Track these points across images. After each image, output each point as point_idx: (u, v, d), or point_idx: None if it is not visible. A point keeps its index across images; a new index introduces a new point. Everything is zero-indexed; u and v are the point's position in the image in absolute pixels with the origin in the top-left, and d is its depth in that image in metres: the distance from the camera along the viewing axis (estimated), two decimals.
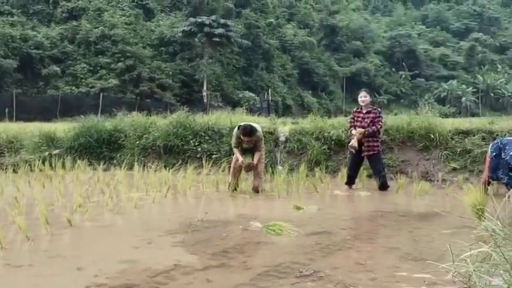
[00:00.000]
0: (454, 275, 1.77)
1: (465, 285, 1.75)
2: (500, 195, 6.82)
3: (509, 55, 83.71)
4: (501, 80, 72.29)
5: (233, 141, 7.16)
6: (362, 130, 7.40)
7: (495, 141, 7.09)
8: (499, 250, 1.56)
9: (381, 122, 7.61)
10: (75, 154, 10.10)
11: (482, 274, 1.67)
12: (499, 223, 1.78)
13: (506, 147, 6.64)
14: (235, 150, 7.13)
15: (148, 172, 8.33)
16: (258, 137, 7.05)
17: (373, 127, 7.43)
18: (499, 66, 78.75)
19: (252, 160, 7.04)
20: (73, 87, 34.74)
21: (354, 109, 7.86)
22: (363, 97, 7.55)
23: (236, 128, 7.13)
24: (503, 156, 6.61)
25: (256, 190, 7.10)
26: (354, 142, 7.40)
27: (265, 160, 9.24)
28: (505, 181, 6.62)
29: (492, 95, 71.75)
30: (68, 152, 10.17)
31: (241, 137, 6.93)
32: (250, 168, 7.07)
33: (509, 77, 73.26)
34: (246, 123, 7.24)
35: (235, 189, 7.09)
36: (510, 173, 6.42)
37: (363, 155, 7.55)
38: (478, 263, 1.70)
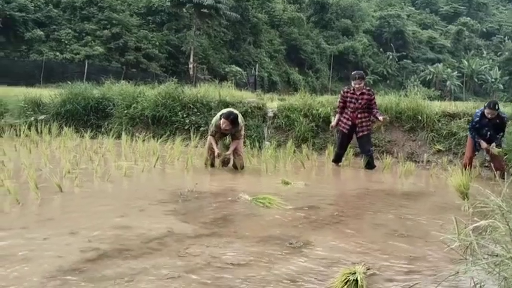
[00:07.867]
0: (453, 248, 1.85)
1: (461, 257, 1.84)
2: (483, 177, 7.01)
3: (494, 41, 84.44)
4: (485, 66, 72.94)
5: (211, 129, 6.88)
6: (386, 117, 7.89)
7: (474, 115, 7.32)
8: (504, 221, 1.64)
9: (376, 103, 7.67)
10: (62, 121, 10.01)
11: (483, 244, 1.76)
12: (499, 198, 1.86)
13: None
14: (211, 139, 6.86)
15: (137, 142, 8.31)
16: (238, 127, 6.76)
17: (380, 113, 7.67)
18: (484, 52, 79.53)
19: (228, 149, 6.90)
20: (57, 53, 33.88)
21: (345, 89, 7.75)
22: (357, 84, 7.51)
23: (217, 116, 6.83)
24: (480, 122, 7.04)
25: (237, 168, 6.99)
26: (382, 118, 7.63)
27: (253, 135, 9.31)
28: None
29: (476, 80, 72.50)
30: (54, 118, 10.06)
31: (222, 124, 6.60)
32: (226, 162, 6.92)
33: (494, 63, 73.98)
34: (229, 110, 6.96)
35: (212, 166, 6.93)
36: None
37: (359, 135, 7.59)
38: (474, 236, 1.78)
